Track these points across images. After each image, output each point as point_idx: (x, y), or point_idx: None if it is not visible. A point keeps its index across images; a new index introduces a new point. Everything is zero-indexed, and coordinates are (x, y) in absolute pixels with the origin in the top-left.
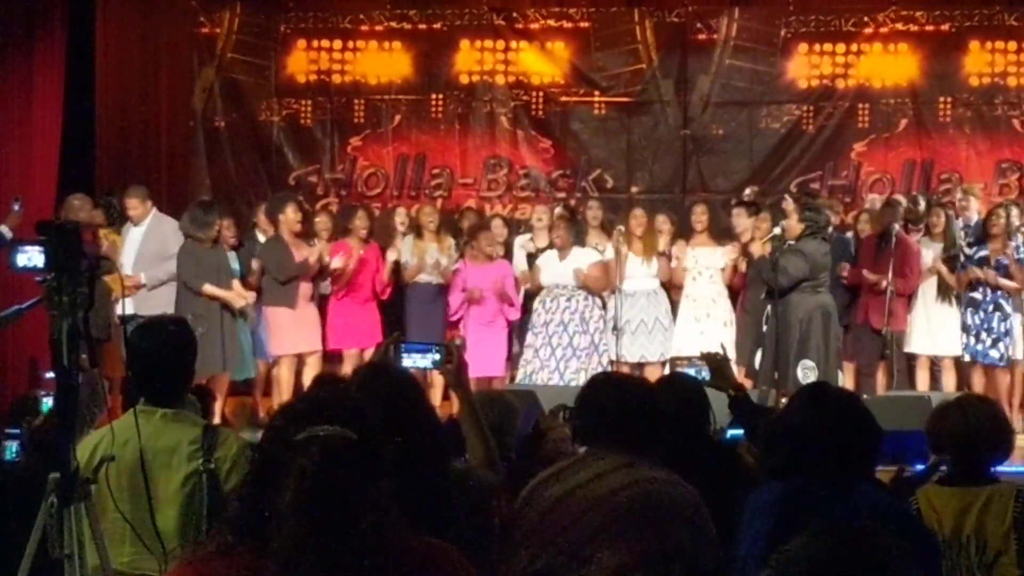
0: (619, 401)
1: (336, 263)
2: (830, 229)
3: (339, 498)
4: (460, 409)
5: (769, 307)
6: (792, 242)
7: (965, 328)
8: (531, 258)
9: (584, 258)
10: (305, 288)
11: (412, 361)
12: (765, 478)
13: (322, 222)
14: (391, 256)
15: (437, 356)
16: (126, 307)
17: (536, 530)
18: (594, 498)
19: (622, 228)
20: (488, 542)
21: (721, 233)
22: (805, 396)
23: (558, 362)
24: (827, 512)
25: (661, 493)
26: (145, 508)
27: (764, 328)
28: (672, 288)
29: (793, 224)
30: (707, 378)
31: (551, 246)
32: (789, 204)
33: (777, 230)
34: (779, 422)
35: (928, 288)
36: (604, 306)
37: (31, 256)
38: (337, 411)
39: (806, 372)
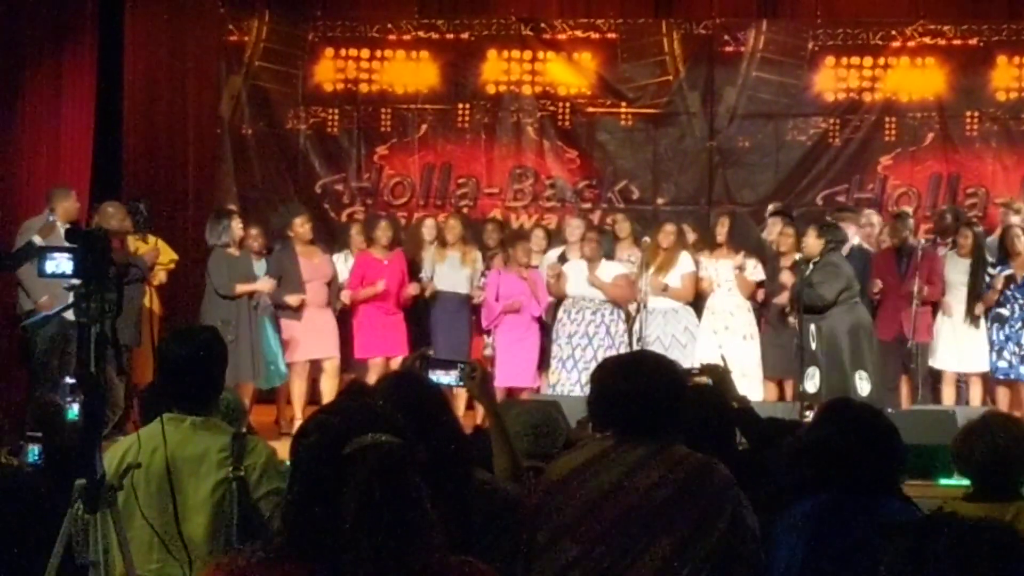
0: (637, 385)
1: (370, 292)
2: (854, 243)
3: (404, 502)
4: (486, 420)
5: (813, 325)
6: (818, 260)
7: (991, 344)
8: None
9: (612, 271)
10: (318, 295)
11: (437, 377)
12: (792, 493)
13: (355, 236)
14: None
15: (461, 373)
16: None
17: (580, 525)
18: (641, 491)
19: (648, 240)
20: (511, 553)
21: (746, 246)
22: (828, 411)
23: (580, 374)
24: (858, 527)
25: (701, 478)
26: (173, 516)
27: (813, 346)
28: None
29: (812, 242)
30: None
31: (585, 258)
32: (869, 220)
33: (798, 255)
34: (804, 437)
35: (956, 304)
36: (628, 320)
37: (60, 263)
38: (371, 421)
39: (862, 382)
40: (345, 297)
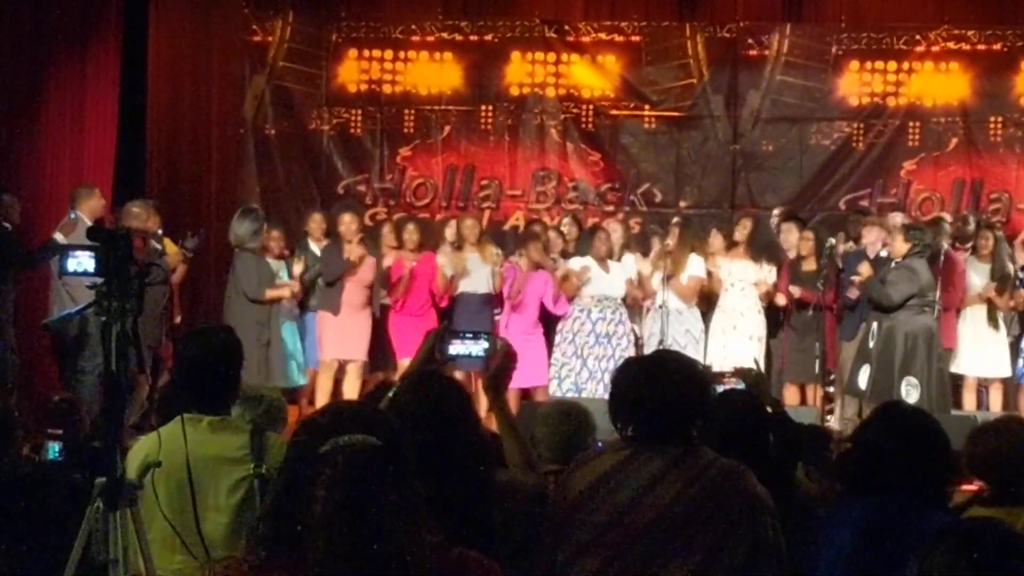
0: (658, 388)
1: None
2: (943, 247)
3: (370, 505)
4: (490, 409)
5: (875, 324)
6: (899, 260)
7: (1017, 350)
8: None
9: (627, 270)
10: (356, 296)
11: (464, 348)
12: (841, 494)
13: (387, 235)
14: (440, 260)
15: (487, 344)
16: None
17: (600, 541)
18: (663, 504)
19: (668, 243)
20: (532, 551)
21: (764, 248)
22: (880, 414)
23: (603, 373)
24: (906, 532)
25: (725, 493)
26: (193, 516)
27: (871, 345)
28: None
29: (899, 245)
30: None
31: (597, 257)
32: (894, 223)
33: (883, 252)
34: (853, 438)
35: (977, 309)
36: (639, 319)
37: (81, 261)
38: (358, 421)
39: (909, 389)
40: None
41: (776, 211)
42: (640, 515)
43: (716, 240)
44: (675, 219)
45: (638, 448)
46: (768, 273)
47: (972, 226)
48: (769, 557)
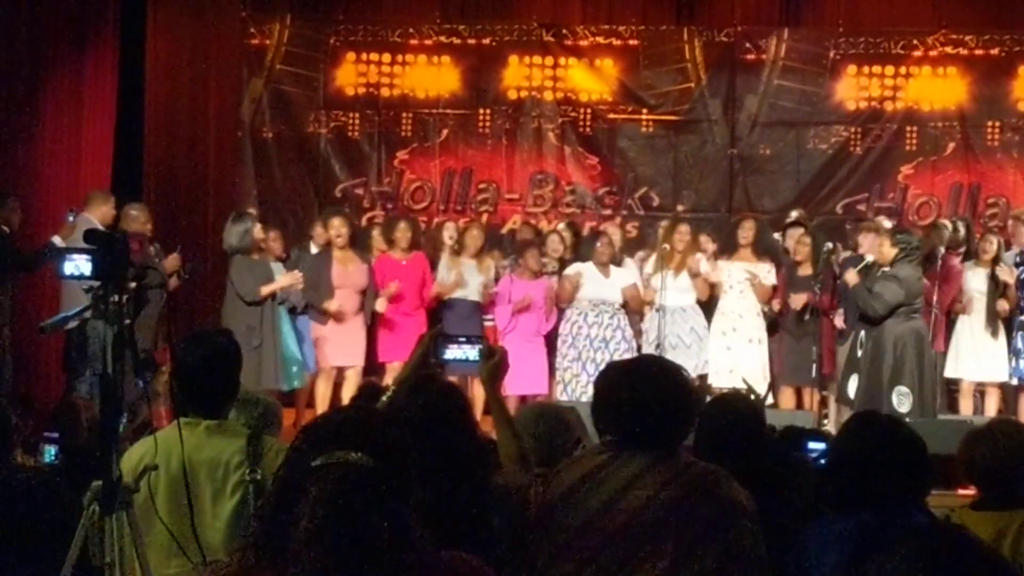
0: (638, 392)
1: (386, 294)
2: (941, 251)
3: (354, 526)
4: (488, 404)
5: (863, 332)
6: (887, 268)
7: (1015, 352)
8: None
9: (627, 276)
10: (349, 301)
11: (452, 353)
12: (826, 508)
13: (376, 238)
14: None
15: (480, 347)
16: None
17: (575, 544)
18: (634, 508)
19: (667, 247)
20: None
21: (765, 252)
22: (852, 424)
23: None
24: (891, 542)
25: (699, 496)
26: (190, 520)
27: (859, 353)
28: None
29: (886, 249)
30: None
31: (599, 262)
32: (880, 228)
33: (869, 258)
34: (830, 451)
35: (975, 314)
36: (640, 320)
37: (78, 264)
38: (360, 433)
39: (900, 398)
40: (380, 306)
41: (795, 214)
42: (612, 519)
43: (708, 246)
44: (683, 225)
45: (618, 452)
46: (767, 273)
47: (963, 232)
48: (746, 565)
